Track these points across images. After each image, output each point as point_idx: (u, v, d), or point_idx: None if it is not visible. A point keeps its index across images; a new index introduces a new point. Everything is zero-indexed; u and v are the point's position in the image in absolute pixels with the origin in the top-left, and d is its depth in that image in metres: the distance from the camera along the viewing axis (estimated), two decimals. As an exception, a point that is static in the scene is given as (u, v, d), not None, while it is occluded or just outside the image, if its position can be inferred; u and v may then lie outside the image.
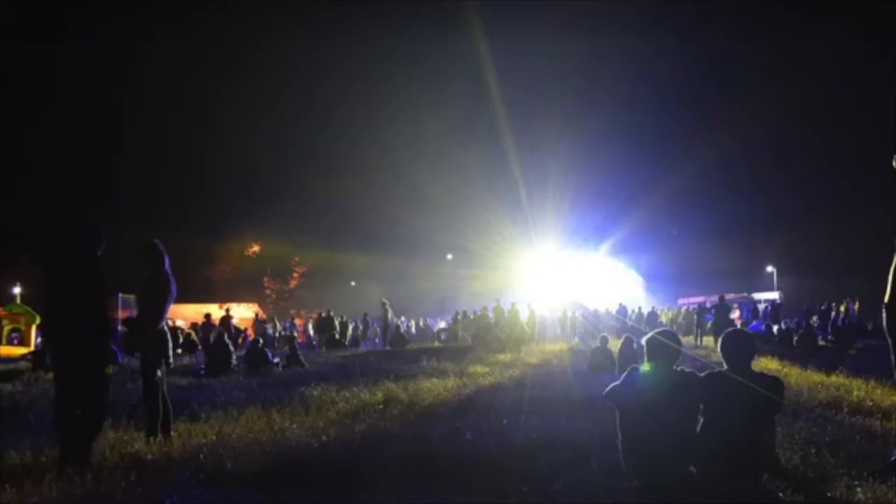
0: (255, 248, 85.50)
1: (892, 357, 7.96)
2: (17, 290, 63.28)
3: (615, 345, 23.30)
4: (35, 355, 27.33)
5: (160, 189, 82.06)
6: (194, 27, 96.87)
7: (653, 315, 51.04)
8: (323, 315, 48.89)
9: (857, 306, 48.30)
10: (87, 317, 9.40)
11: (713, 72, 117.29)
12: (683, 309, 61.70)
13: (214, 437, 10.70)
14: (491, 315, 43.12)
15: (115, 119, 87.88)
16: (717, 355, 8.33)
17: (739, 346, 8.00)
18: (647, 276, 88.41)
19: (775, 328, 39.94)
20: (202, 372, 23.37)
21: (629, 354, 19.42)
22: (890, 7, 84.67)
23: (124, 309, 29.12)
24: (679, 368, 8.05)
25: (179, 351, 31.70)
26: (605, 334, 26.07)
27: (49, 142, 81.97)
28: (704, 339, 38.29)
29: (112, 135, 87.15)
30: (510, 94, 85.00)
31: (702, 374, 7.92)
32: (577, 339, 44.32)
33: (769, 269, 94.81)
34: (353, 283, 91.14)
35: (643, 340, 8.33)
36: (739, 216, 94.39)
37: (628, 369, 8.22)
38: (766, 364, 20.24)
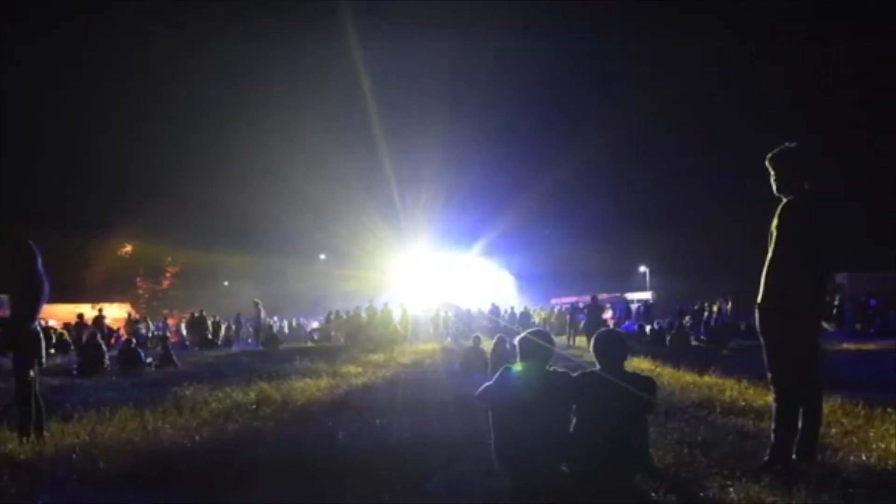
0: (128, 248, 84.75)
1: (765, 357, 8.05)
2: None
3: (488, 345, 23.36)
4: None
5: (32, 188, 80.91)
6: (69, 25, 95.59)
7: (525, 315, 51.45)
8: (195, 315, 48.75)
9: (729, 306, 48.92)
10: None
11: (584, 74, 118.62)
12: (556, 309, 62.27)
13: (87, 437, 10.58)
14: (364, 315, 43.30)
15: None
16: (590, 355, 8.29)
17: (612, 345, 8.04)
18: (520, 276, 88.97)
19: (648, 328, 40.30)
20: (75, 372, 23.15)
21: (502, 354, 19.46)
22: (758, 11, 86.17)
23: (-3, 309, 28.80)
24: (552, 368, 8.05)
25: (52, 351, 31.31)
26: (477, 334, 26.23)
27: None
28: (577, 338, 38.62)
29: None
30: (383, 95, 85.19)
31: (574, 374, 7.91)
32: (449, 339, 44.55)
33: (642, 269, 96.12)
34: (225, 283, 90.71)
35: (516, 340, 8.30)
36: (612, 217, 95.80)
37: (501, 369, 8.15)
38: (638, 364, 20.37)
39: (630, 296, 75.73)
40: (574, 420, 7.66)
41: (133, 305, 69.85)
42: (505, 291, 77.39)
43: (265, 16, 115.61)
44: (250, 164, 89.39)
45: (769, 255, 7.89)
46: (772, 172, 8.12)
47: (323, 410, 13.55)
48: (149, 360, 26.34)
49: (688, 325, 43.26)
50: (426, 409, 13.29)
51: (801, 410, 7.80)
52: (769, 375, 8.04)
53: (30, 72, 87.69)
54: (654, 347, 31.19)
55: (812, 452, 7.83)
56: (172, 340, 41.44)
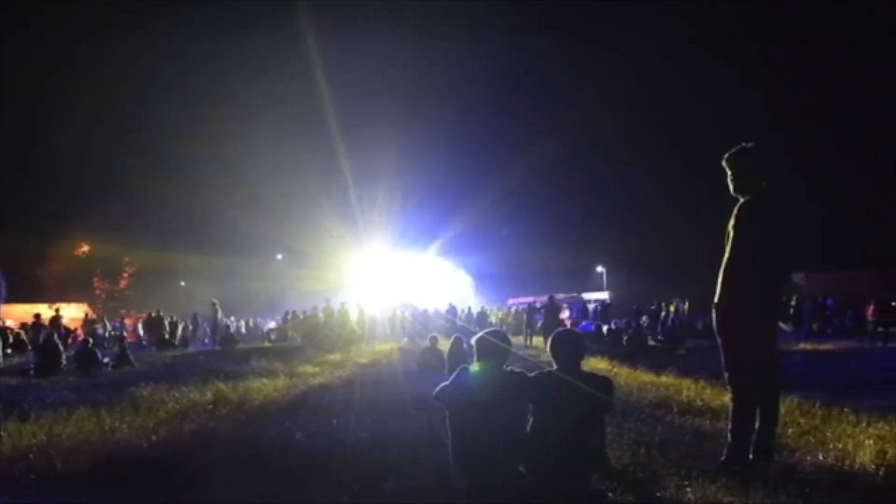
0: (85, 248, 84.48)
1: (722, 357, 8.05)
2: None
3: (444, 345, 23.36)
4: None
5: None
6: (24, 23, 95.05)
7: (482, 315, 51.53)
8: (153, 315, 48.71)
9: (686, 306, 49.15)
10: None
11: (542, 74, 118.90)
12: (513, 309, 62.45)
13: (44, 437, 10.51)
14: (321, 315, 43.29)
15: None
16: (547, 355, 8.22)
17: (569, 345, 7.96)
18: (477, 276, 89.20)
19: (605, 328, 40.43)
20: (32, 372, 23.08)
21: (459, 354, 19.42)
22: (718, 10, 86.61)
23: (-46, 311, 28.63)
24: (509, 368, 8.00)
25: (9, 351, 31.43)
26: (434, 334, 26.23)
27: None
28: (534, 338, 38.65)
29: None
30: (340, 95, 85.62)
31: (531, 374, 7.85)
32: (406, 339, 44.49)
33: (599, 268, 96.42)
34: (182, 283, 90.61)
35: (473, 340, 8.24)
36: (569, 216, 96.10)
37: (458, 369, 8.12)
38: (595, 364, 20.47)
39: (587, 296, 76.21)
40: (531, 420, 7.62)
41: (90, 305, 69.63)
42: (462, 291, 77.62)
43: (222, 16, 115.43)
44: (207, 164, 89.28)
45: (726, 255, 7.89)
46: (729, 172, 8.14)
47: (280, 410, 13.50)
48: (106, 360, 26.22)
49: (645, 324, 43.50)
50: (383, 409, 13.24)
51: (758, 410, 7.82)
52: (726, 375, 8.04)
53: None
54: (611, 347, 31.41)
55: (769, 452, 7.84)
56: (129, 340, 41.38)
